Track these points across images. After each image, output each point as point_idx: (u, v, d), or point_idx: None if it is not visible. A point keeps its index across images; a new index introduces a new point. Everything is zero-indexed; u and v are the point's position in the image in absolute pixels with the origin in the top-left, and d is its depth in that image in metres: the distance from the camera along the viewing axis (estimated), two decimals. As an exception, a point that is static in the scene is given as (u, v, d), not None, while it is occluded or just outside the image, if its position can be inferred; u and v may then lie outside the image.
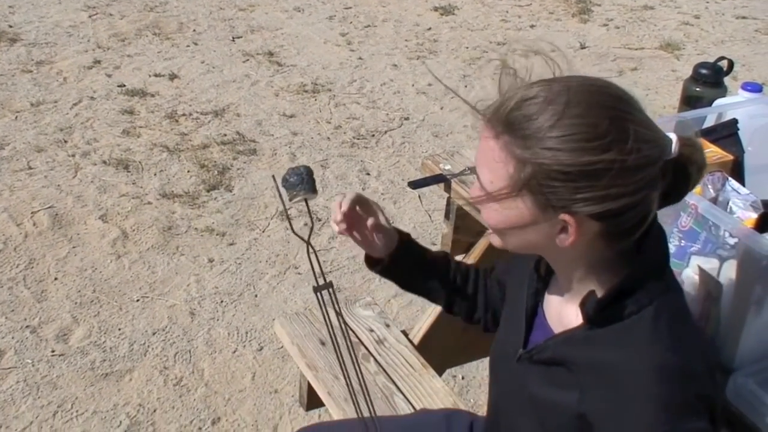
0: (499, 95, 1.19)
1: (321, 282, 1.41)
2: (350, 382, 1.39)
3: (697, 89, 2.34)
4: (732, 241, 1.68)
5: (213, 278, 3.27)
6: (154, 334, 2.94)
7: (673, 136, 1.13)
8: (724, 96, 2.34)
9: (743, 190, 1.77)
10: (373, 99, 4.88)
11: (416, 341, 2.21)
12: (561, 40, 6.01)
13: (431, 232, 3.67)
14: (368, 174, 4.09)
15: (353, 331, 2.17)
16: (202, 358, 2.85)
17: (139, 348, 2.87)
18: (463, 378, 2.88)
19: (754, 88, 2.08)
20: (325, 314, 1.38)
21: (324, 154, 4.22)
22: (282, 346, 2.93)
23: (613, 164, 1.07)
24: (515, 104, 1.13)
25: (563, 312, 1.29)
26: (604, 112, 1.09)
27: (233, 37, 5.54)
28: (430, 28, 6.04)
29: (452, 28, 6.11)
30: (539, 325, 1.34)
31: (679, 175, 1.14)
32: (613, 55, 5.79)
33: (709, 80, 2.31)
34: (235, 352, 2.90)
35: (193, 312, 3.07)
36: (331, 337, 1.39)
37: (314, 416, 2.61)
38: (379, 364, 2.08)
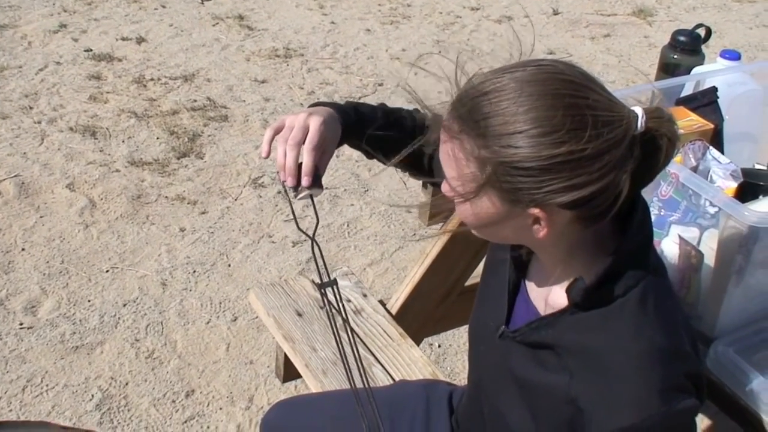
0: (455, 91, 1.14)
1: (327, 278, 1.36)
2: (353, 381, 1.35)
3: (675, 57, 2.31)
4: (712, 210, 1.66)
5: (185, 248, 3.21)
6: (124, 305, 2.89)
7: (638, 110, 1.09)
8: (701, 64, 2.31)
9: (724, 159, 1.75)
10: (346, 64, 4.81)
11: (394, 311, 2.18)
12: (534, 6, 5.97)
13: (406, 200, 3.64)
14: (341, 141, 4.04)
15: (329, 302, 2.13)
16: (175, 330, 2.81)
17: (109, 320, 2.82)
18: (439, 346, 2.86)
19: (733, 56, 2.05)
20: (329, 312, 1.33)
21: (296, 121, 4.16)
22: (257, 317, 2.89)
23: (573, 155, 1.03)
24: (469, 103, 1.09)
25: (547, 292, 1.26)
26: (558, 102, 1.05)
27: (202, 0, 5.43)
28: (403, -8, 5.96)
29: (425, -8, 6.03)
30: (522, 303, 1.31)
31: (649, 148, 1.11)
32: (586, 21, 5.76)
33: (687, 48, 2.29)
34: (208, 323, 2.86)
35: (164, 283, 3.02)
36: (334, 335, 1.35)
37: (290, 388, 2.59)
38: (357, 335, 2.04)
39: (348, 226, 3.44)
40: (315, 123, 1.33)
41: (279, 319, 2.08)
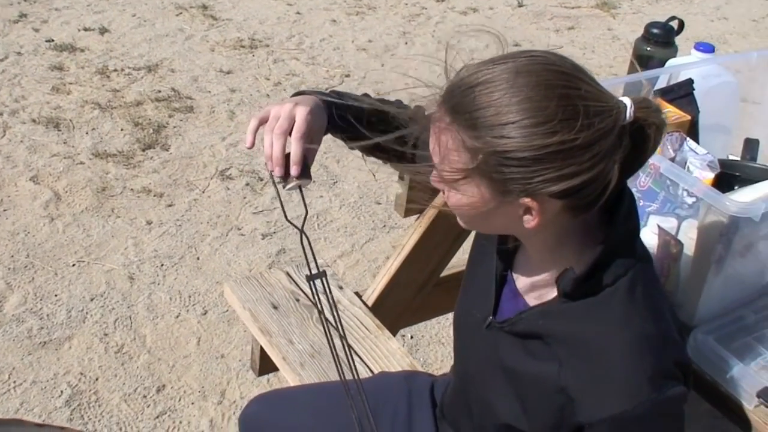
0: (447, 81, 1.13)
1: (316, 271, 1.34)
2: (343, 373, 1.34)
3: (648, 49, 2.32)
4: (690, 200, 1.67)
5: (152, 241, 3.17)
6: (92, 300, 2.84)
7: (627, 101, 1.09)
8: (674, 56, 2.32)
9: (701, 150, 1.76)
10: (312, 55, 4.78)
11: (370, 303, 2.16)
12: (499, -2, 5.98)
13: (375, 191, 3.62)
14: (309, 132, 4.01)
15: (305, 294, 2.12)
16: (144, 324, 2.77)
17: (77, 315, 2.77)
18: (412, 337, 2.85)
19: (707, 48, 2.07)
20: (317, 302, 1.31)
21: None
22: (227, 310, 2.87)
23: (565, 144, 1.03)
24: (461, 93, 1.09)
25: (535, 283, 1.26)
26: (550, 92, 1.05)
27: (165, -9, 5.36)
28: (367, -17, 5.94)
29: (390, -17, 6.01)
30: (509, 294, 1.31)
31: (637, 138, 1.11)
32: (550, 14, 5.78)
33: (660, 40, 2.30)
34: (178, 316, 2.82)
35: (132, 276, 2.97)
36: (323, 326, 1.33)
37: (263, 381, 2.56)
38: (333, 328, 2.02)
39: (318, 218, 3.41)
40: (301, 112, 1.31)
41: (255, 312, 2.05)
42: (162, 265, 3.04)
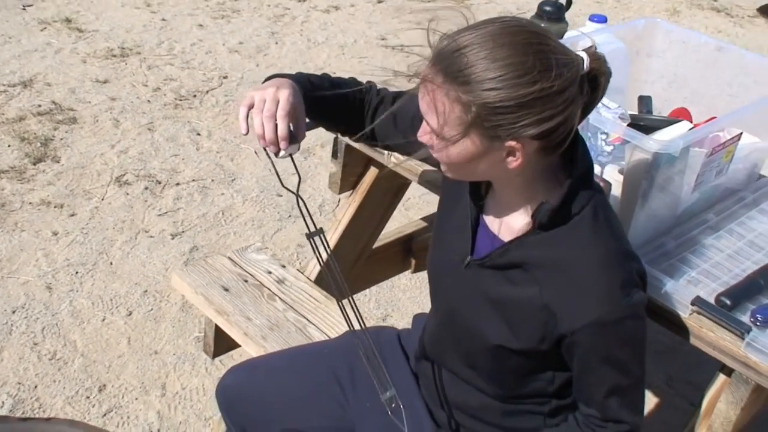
0: (430, 48, 1.28)
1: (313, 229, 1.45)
2: (350, 321, 1.45)
3: (543, 25, 2.52)
4: (608, 148, 1.89)
5: (62, 250, 3.15)
6: (14, 312, 2.81)
7: (583, 54, 1.27)
8: (566, 30, 2.54)
9: (612, 105, 1.97)
10: (186, 60, 4.80)
11: (312, 278, 2.28)
12: (358, -6, 6.16)
13: (275, 184, 3.71)
14: (199, 134, 4.06)
15: (252, 275, 2.21)
16: (72, 330, 2.77)
17: (2, 328, 2.74)
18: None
19: (600, 19, 2.29)
20: (319, 258, 1.42)
21: (148, 118, 4.13)
22: (152, 309, 2.91)
23: (543, 91, 1.21)
24: (451, 56, 1.24)
25: (507, 221, 1.42)
26: (527, 49, 1.22)
27: (23, 5, 5.24)
28: (226, -12, 5.99)
29: (249, -14, 6.09)
30: (484, 235, 1.46)
31: (593, 86, 1.30)
32: (410, 8, 6.00)
33: (553, 16, 2.50)
34: (104, 320, 2.84)
35: (49, 286, 2.96)
36: (326, 277, 1.44)
37: (201, 370, 2.63)
38: (285, 302, 2.13)
39: (223, 214, 3.48)
40: (284, 94, 1.43)
41: (208, 296, 2.13)
42: (77, 272, 3.04)
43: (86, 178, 3.62)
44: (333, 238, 2.29)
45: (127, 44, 4.89)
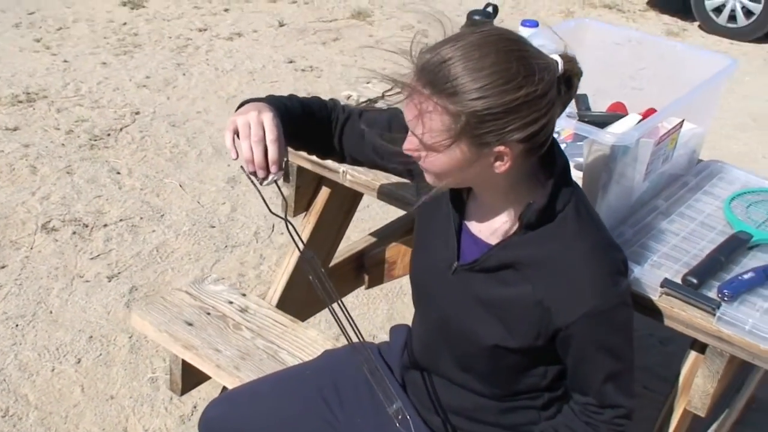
0: (412, 62, 1.31)
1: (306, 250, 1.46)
2: (350, 337, 1.47)
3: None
4: (563, 146, 1.95)
5: (-4, 304, 3.06)
6: (-44, 372, 2.72)
7: (556, 57, 1.33)
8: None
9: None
10: (94, 99, 4.72)
11: (274, 303, 2.28)
12: (259, 20, 6.16)
13: (205, 216, 3.68)
14: (119, 173, 3.99)
15: (213, 307, 2.19)
16: (21, 384, 2.69)
17: (-53, 389, 2.64)
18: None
19: (532, 23, 2.37)
20: (313, 279, 1.44)
21: (65, 161, 4.04)
22: (100, 354, 2.85)
23: (529, 96, 1.26)
24: (436, 68, 1.27)
25: (492, 225, 1.46)
26: (510, 56, 1.27)
27: None
28: (125, 23, 5.91)
29: (147, 20, 6.02)
30: (468, 240, 1.50)
31: (568, 86, 1.35)
32: (312, 29, 6.04)
33: (481, 24, 2.57)
34: (53, 370, 2.76)
35: (-11, 341, 2.87)
36: (322, 297, 1.45)
37: (161, 410, 2.59)
38: (252, 330, 2.12)
39: (157, 251, 3.43)
40: (268, 118, 1.45)
41: (172, 333, 2.10)
42: (17, 325, 2.95)
43: (11, 228, 3.51)
44: (291, 262, 2.29)
45: (32, 89, 4.78)
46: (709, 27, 6.51)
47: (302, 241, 1.47)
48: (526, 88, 1.25)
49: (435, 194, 1.43)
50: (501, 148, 1.29)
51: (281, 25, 6.06)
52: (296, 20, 6.18)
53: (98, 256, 3.38)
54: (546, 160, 1.40)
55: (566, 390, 1.56)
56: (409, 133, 1.36)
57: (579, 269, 1.38)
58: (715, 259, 1.71)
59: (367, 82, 2.59)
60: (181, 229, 3.59)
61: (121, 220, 3.62)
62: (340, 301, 1.48)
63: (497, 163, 1.32)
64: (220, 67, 5.31)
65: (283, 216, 1.48)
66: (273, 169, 1.45)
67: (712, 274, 1.68)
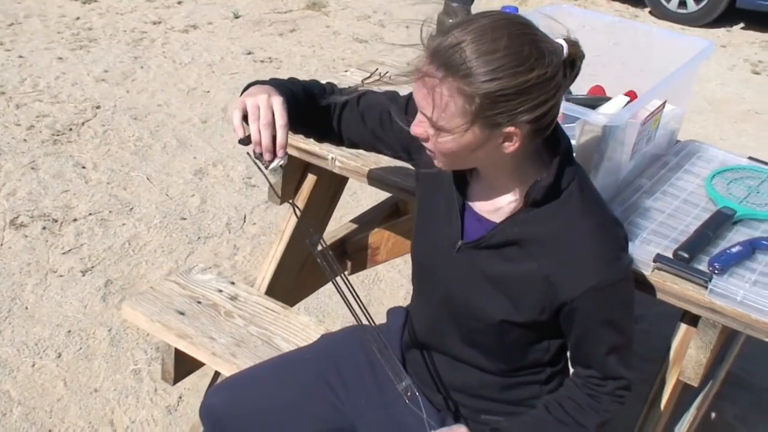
0: (423, 46, 1.34)
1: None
2: (359, 318, 1.49)
3: (451, 20, 2.62)
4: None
5: (-31, 302, 3.02)
6: (-65, 371, 2.68)
7: (561, 41, 1.37)
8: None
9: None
10: (53, 94, 4.66)
11: (263, 290, 2.29)
12: (213, 12, 6.13)
13: (175, 208, 3.67)
14: (84, 167, 3.96)
15: (203, 296, 2.20)
16: (2, 380, 2.66)
17: (-74, 388, 2.61)
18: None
19: (513, 9, 2.42)
20: (322, 261, 1.46)
21: (29, 157, 3.99)
22: (81, 348, 2.83)
23: (540, 78, 1.29)
24: (449, 51, 1.30)
25: (496, 204, 1.50)
26: (522, 38, 1.31)
27: None
28: (78, 18, 5.84)
29: (100, 14, 5.96)
30: (472, 219, 1.54)
31: (572, 69, 1.40)
32: (269, 21, 6.03)
33: (460, 11, 2.60)
34: (34, 365, 2.74)
35: (-35, 339, 2.83)
36: (332, 280, 1.47)
37: (146, 402, 2.59)
38: (244, 318, 2.14)
39: (129, 244, 3.41)
40: (278, 102, 1.47)
41: (165, 322, 2.11)
42: (-8, 322, 2.92)
43: (-23, 225, 3.47)
44: (278, 250, 2.31)
45: (-12, 84, 4.71)
46: (660, 13, 6.65)
47: (310, 230, 1.49)
48: (537, 70, 1.29)
49: (437, 170, 1.47)
50: (511, 128, 1.33)
51: (236, 16, 6.04)
52: (251, 12, 6.16)
53: (70, 250, 3.35)
54: (550, 140, 1.44)
55: (566, 364, 1.61)
56: (418, 116, 1.39)
57: (584, 245, 1.42)
58: (704, 234, 1.77)
59: (345, 71, 2.61)
60: (152, 221, 3.57)
61: (90, 214, 3.59)
62: (348, 283, 1.50)
63: (506, 144, 1.36)
64: (177, 60, 5.28)
65: (291, 202, 1.49)
66: (280, 153, 1.47)
67: (702, 248, 1.74)
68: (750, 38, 6.66)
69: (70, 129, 4.30)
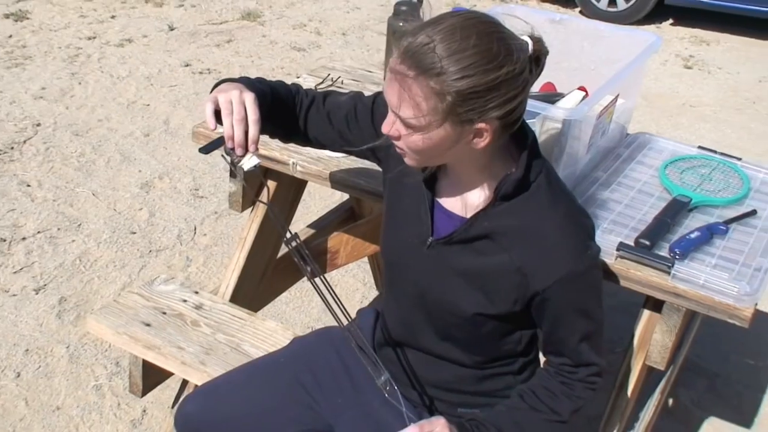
0: (395, 47, 1.38)
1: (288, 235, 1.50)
2: (339, 319, 1.50)
3: (402, 24, 2.66)
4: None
5: None
6: None
7: (526, 38, 1.42)
8: (421, 25, 2.68)
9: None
10: (-9, 113, 4.58)
11: (227, 298, 2.30)
12: (148, 25, 6.08)
13: (123, 223, 3.64)
14: (29, 186, 3.89)
15: (168, 306, 2.20)
16: (-40, 403, 2.62)
17: None
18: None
19: (463, 10, 2.46)
20: (299, 262, 1.47)
21: (-30, 177, 3.92)
22: (39, 366, 2.79)
23: (509, 74, 1.33)
24: (420, 50, 1.33)
25: (467, 198, 1.53)
26: (490, 36, 1.34)
27: None
28: (11, 36, 5.74)
29: (33, 32, 5.86)
30: (441, 215, 1.57)
31: (537, 65, 1.44)
32: (204, 32, 6.00)
33: (409, 13, 2.64)
34: (-9, 386, 2.70)
35: None
36: (310, 279, 1.49)
37: (110, 417, 2.56)
38: (210, 326, 2.14)
39: (80, 261, 3.37)
40: (250, 98, 1.48)
41: (131, 334, 2.09)
42: (-55, 345, 2.86)
43: None
44: (241, 256, 2.31)
45: None
46: (590, 12, 6.80)
47: (288, 229, 1.51)
48: (506, 66, 1.33)
49: (404, 169, 1.49)
50: (482, 125, 1.37)
51: (171, 29, 6.00)
52: (186, 24, 6.13)
53: (21, 269, 3.30)
54: (517, 135, 1.48)
55: (536, 354, 1.65)
56: (390, 115, 1.42)
57: (554, 235, 1.47)
58: (663, 222, 1.83)
59: (297, 77, 2.63)
60: (101, 237, 3.54)
61: (38, 232, 3.54)
62: (326, 281, 1.52)
63: (476, 140, 1.40)
64: (115, 74, 5.23)
65: (266, 202, 1.50)
66: (251, 148, 1.49)
67: (662, 235, 1.80)
68: (680, 34, 6.85)
69: (12, 147, 4.22)
